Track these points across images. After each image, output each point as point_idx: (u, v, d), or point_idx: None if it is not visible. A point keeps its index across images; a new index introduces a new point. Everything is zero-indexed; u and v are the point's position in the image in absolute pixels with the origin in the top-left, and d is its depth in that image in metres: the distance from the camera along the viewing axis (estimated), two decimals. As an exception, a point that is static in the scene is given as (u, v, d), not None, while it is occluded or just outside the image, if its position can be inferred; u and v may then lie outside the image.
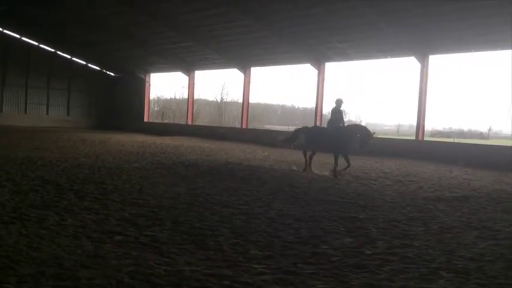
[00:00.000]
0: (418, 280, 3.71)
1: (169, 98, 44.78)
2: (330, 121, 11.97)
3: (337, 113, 11.92)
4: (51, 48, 32.85)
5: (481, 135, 53.58)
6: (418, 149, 17.74)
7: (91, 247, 4.24)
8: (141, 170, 10.10)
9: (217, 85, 51.72)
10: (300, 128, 12.71)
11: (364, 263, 4.10)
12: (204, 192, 7.52)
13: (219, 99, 46.41)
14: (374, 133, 11.75)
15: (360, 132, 11.57)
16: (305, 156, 11.67)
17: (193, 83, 29.03)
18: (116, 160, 11.77)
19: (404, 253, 4.47)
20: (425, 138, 19.97)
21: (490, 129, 62.55)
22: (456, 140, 25.33)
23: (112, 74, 35.46)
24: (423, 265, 4.10)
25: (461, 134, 50.96)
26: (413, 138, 19.04)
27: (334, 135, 11.39)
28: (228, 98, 48.13)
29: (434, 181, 10.49)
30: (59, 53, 33.25)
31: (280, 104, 70.87)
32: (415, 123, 18.85)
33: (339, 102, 11.94)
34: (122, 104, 33.96)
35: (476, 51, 17.56)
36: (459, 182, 10.49)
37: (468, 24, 15.48)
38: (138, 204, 6.34)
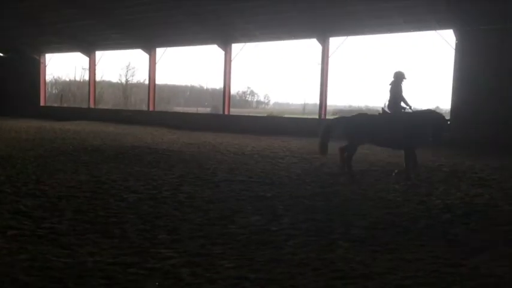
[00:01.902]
0: (319, 251, 3.93)
1: (68, 80, 42.02)
2: (390, 103, 8.99)
3: (396, 91, 8.93)
4: None
5: (377, 112, 57.75)
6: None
7: (-20, 245, 3.89)
8: (38, 158, 9.41)
9: (121, 66, 49.56)
10: (333, 119, 9.72)
11: (270, 239, 4.25)
12: (109, 179, 7.23)
13: (124, 81, 44.53)
14: (449, 121, 8.98)
15: (432, 121, 8.53)
16: (342, 152, 8.53)
17: (94, 64, 27.46)
18: (9, 148, 10.83)
19: (307, 227, 4.70)
20: (328, 117, 21.00)
21: (385, 106, 67.60)
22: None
23: (-1, 55, 32.22)
24: (324, 237, 4.36)
25: (360, 111, 54.43)
26: (317, 117, 19.89)
27: (399, 124, 8.46)
28: (134, 80, 46.40)
29: (336, 157, 11.07)
30: None
31: (189, 85, 70.00)
32: (318, 103, 19.73)
33: (398, 76, 8.93)
34: (13, 87, 31.00)
35: (373, 33, 18.74)
36: (358, 157, 11.21)
37: (365, 9, 16.38)
38: (35, 195, 5.91)
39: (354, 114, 9.25)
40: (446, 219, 5.18)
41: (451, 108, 15.71)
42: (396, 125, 8.38)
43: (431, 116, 8.64)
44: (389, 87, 8.97)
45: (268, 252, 3.88)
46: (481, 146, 13.60)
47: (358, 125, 8.56)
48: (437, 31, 15.98)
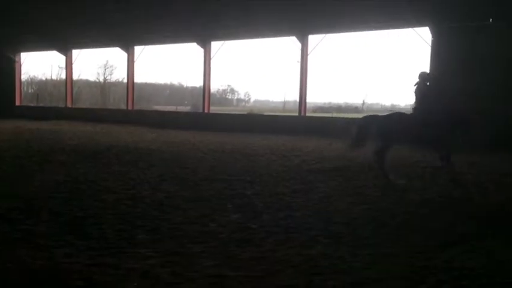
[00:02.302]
0: (299, 248, 3.96)
1: (44, 79, 41.24)
2: (416, 102, 8.78)
3: (423, 92, 8.73)
4: None
5: (356, 109, 58.35)
6: (301, 124, 18.72)
7: (-48, 249, 3.79)
8: (13, 159, 9.22)
9: (99, 64, 48.90)
10: (365, 117, 8.80)
11: (250, 237, 4.26)
12: (87, 179, 7.12)
13: (101, 80, 43.94)
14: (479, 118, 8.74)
15: (462, 120, 8.38)
16: (380, 156, 8.02)
17: (71, 63, 27.00)
18: (-17, 150, 10.58)
19: (287, 224, 4.73)
20: (308, 114, 21.12)
21: (363, 103, 68.40)
22: (334, 115, 27.23)
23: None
24: (304, 233, 4.39)
25: (339, 108, 54.90)
26: (297, 114, 19.98)
27: (429, 124, 8.10)
28: (112, 79, 45.83)
29: (316, 154, 11.18)
30: None
31: (169, 83, 69.50)
32: (298, 100, 19.83)
33: (423, 77, 8.85)
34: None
35: (351, 31, 18.92)
36: (337, 154, 11.32)
37: (343, 7, 16.51)
38: (10, 197, 5.78)
39: (387, 113, 8.93)
40: (423, 214, 5.28)
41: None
42: (428, 125, 8.07)
43: (459, 116, 8.50)
44: (414, 87, 8.84)
45: (248, 250, 3.89)
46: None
47: (392, 125, 8.16)
48: (414, 28, 16.23)
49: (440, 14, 15.09)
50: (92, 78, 45.61)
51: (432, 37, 15.59)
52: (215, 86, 74.00)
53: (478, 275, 3.39)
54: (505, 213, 5.45)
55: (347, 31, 18.96)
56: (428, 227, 4.72)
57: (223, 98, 74.43)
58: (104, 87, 43.27)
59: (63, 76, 28.85)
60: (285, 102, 62.36)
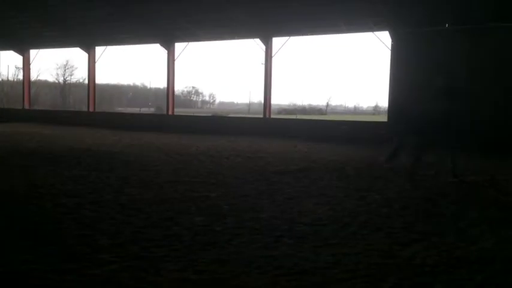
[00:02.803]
0: (264, 249, 3.97)
1: (0, 79, 39.67)
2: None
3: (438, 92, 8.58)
4: None
5: (320, 111, 59.25)
6: (266, 126, 18.82)
7: None
8: (-34, 163, 8.81)
9: (59, 65, 47.47)
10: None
11: (214, 240, 4.23)
12: (45, 183, 6.90)
13: (61, 81, 42.68)
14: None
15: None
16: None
17: (29, 63, 26.11)
18: None
19: (251, 225, 4.73)
20: (272, 116, 21.26)
21: (327, 105, 69.54)
22: (298, 117, 27.55)
23: None
24: (268, 235, 4.41)
25: (303, 110, 55.59)
26: (262, 116, 20.08)
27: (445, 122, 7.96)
28: (73, 79, 44.60)
29: (281, 156, 11.26)
30: None
31: (132, 84, 68.33)
32: (263, 102, 19.93)
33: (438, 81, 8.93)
34: None
35: (314, 34, 19.22)
36: (301, 156, 11.46)
37: (307, 10, 16.72)
38: (-37, 202, 5.53)
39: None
40: (384, 213, 5.41)
41: (388, 107, 16.42)
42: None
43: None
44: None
45: (213, 253, 3.87)
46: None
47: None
48: (375, 32, 16.65)
49: (400, 19, 15.56)
50: (51, 79, 44.25)
51: (392, 41, 16.03)
52: (179, 88, 73.46)
53: (438, 272, 3.50)
54: (463, 211, 5.65)
55: (310, 34, 19.24)
56: (390, 226, 4.84)
57: (187, 99, 73.90)
58: (63, 88, 42.04)
59: (21, 76, 27.84)
60: (249, 104, 62.46)
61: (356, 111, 70.17)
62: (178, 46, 21.42)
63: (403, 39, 15.70)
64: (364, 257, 3.80)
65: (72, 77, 46.21)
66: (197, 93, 76.61)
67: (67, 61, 46.08)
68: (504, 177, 8.34)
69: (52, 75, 47.63)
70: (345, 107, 74.35)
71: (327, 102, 70.00)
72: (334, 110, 67.54)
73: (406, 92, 15.59)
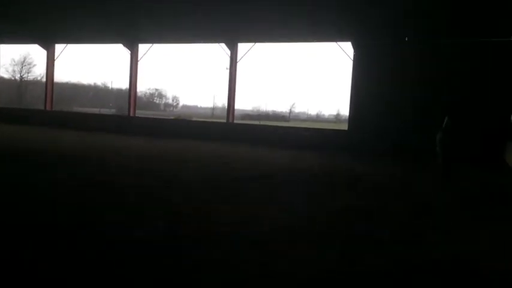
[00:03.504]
0: (223, 254, 3.97)
1: None
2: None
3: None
4: None
5: (283, 118, 59.88)
6: (230, 131, 18.82)
7: None
8: None
9: (16, 62, 45.74)
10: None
11: (175, 245, 4.20)
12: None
13: (18, 78, 41.13)
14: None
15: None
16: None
17: (-17, 58, 25.02)
18: None
19: (212, 231, 4.73)
20: (236, 121, 21.29)
21: (290, 112, 70.42)
22: (262, 122, 27.72)
23: None
24: (228, 240, 4.41)
25: (266, 116, 55.97)
26: (225, 120, 20.07)
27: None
28: (30, 77, 43.09)
29: (244, 161, 11.29)
30: None
31: (92, 84, 66.68)
32: (226, 106, 19.92)
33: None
34: None
35: (279, 41, 19.45)
36: (264, 161, 11.53)
37: (272, 17, 16.91)
38: None
39: None
40: (343, 221, 5.54)
41: (349, 115, 16.81)
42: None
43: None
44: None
45: (173, 257, 3.84)
46: (374, 149, 14.76)
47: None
48: (338, 43, 17.03)
49: (361, 30, 16.02)
50: (6, 75, 42.56)
51: (354, 52, 16.46)
52: (142, 89, 72.29)
53: (394, 276, 3.61)
54: (418, 220, 5.86)
55: (276, 41, 19.44)
56: (348, 233, 4.96)
57: (150, 101, 72.80)
58: (20, 86, 40.51)
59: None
60: (213, 109, 62.28)
61: (318, 118, 71.33)
62: (142, 47, 21.14)
63: (364, 50, 16.17)
64: (324, 263, 3.88)
65: (29, 74, 44.66)
66: (160, 95, 75.66)
67: (24, 58, 44.51)
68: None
69: (8, 71, 45.68)
70: (307, 114, 75.45)
71: (290, 109, 70.84)
72: (297, 117, 68.40)
73: (366, 100, 16.09)
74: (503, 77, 14.17)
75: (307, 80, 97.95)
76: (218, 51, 38.54)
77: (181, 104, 79.23)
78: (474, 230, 5.44)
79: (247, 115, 54.04)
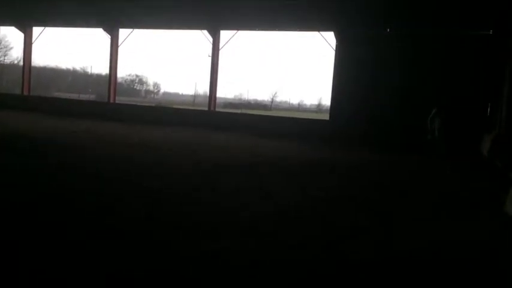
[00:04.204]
0: (205, 243, 3.97)
1: None
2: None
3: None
4: None
5: (265, 107, 59.86)
6: (211, 119, 18.74)
7: None
8: None
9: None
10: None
11: (155, 232, 4.18)
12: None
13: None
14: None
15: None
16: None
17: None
18: None
19: (194, 219, 4.72)
20: (217, 109, 21.19)
21: (272, 101, 70.39)
22: (243, 111, 27.64)
23: None
24: (210, 228, 4.41)
25: (248, 105, 55.91)
26: (207, 108, 19.95)
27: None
28: (6, 60, 42.00)
29: (225, 150, 11.26)
30: None
31: (71, 69, 65.32)
32: (208, 94, 19.80)
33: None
34: None
35: (262, 29, 19.32)
36: (246, 151, 11.53)
37: (254, 5, 16.79)
38: None
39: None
40: (326, 209, 5.60)
41: (331, 105, 16.88)
42: None
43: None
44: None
45: (153, 244, 3.83)
46: (355, 140, 14.91)
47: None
48: (321, 32, 17.03)
49: (344, 21, 16.05)
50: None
51: (336, 42, 16.48)
52: (122, 75, 71.21)
53: (373, 266, 3.67)
54: (399, 210, 5.96)
55: (258, 29, 19.32)
56: (331, 221, 5.02)
57: (130, 88, 71.75)
58: (-5, 70, 39.48)
59: None
60: (195, 96, 61.85)
61: (300, 108, 71.50)
62: (123, 32, 20.76)
63: (346, 41, 16.21)
64: (307, 250, 3.92)
65: (6, 57, 43.52)
66: (141, 82, 74.62)
67: (0, 40, 43.32)
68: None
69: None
70: (289, 103, 75.54)
71: (272, 98, 70.82)
72: (279, 106, 68.43)
73: (347, 90, 16.17)
74: (481, 69, 14.39)
75: (290, 69, 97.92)
76: (200, 38, 38.16)
77: (162, 91, 78.41)
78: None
79: (229, 103, 53.80)
